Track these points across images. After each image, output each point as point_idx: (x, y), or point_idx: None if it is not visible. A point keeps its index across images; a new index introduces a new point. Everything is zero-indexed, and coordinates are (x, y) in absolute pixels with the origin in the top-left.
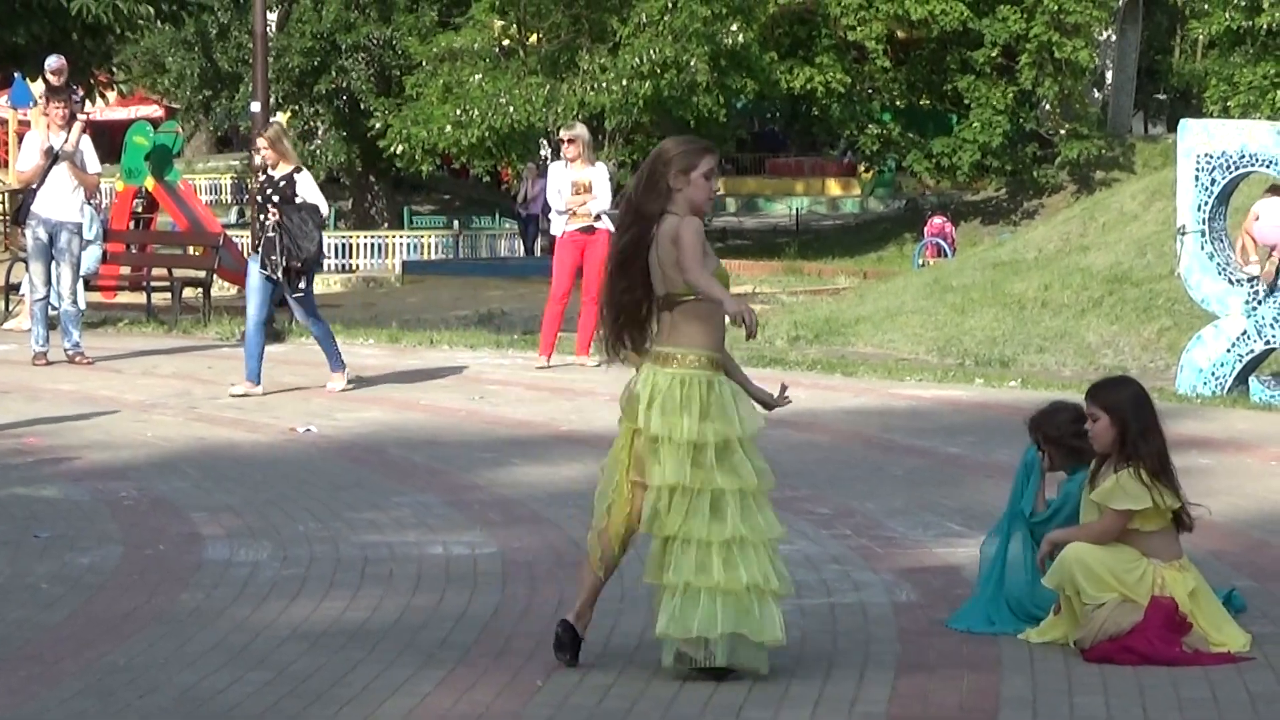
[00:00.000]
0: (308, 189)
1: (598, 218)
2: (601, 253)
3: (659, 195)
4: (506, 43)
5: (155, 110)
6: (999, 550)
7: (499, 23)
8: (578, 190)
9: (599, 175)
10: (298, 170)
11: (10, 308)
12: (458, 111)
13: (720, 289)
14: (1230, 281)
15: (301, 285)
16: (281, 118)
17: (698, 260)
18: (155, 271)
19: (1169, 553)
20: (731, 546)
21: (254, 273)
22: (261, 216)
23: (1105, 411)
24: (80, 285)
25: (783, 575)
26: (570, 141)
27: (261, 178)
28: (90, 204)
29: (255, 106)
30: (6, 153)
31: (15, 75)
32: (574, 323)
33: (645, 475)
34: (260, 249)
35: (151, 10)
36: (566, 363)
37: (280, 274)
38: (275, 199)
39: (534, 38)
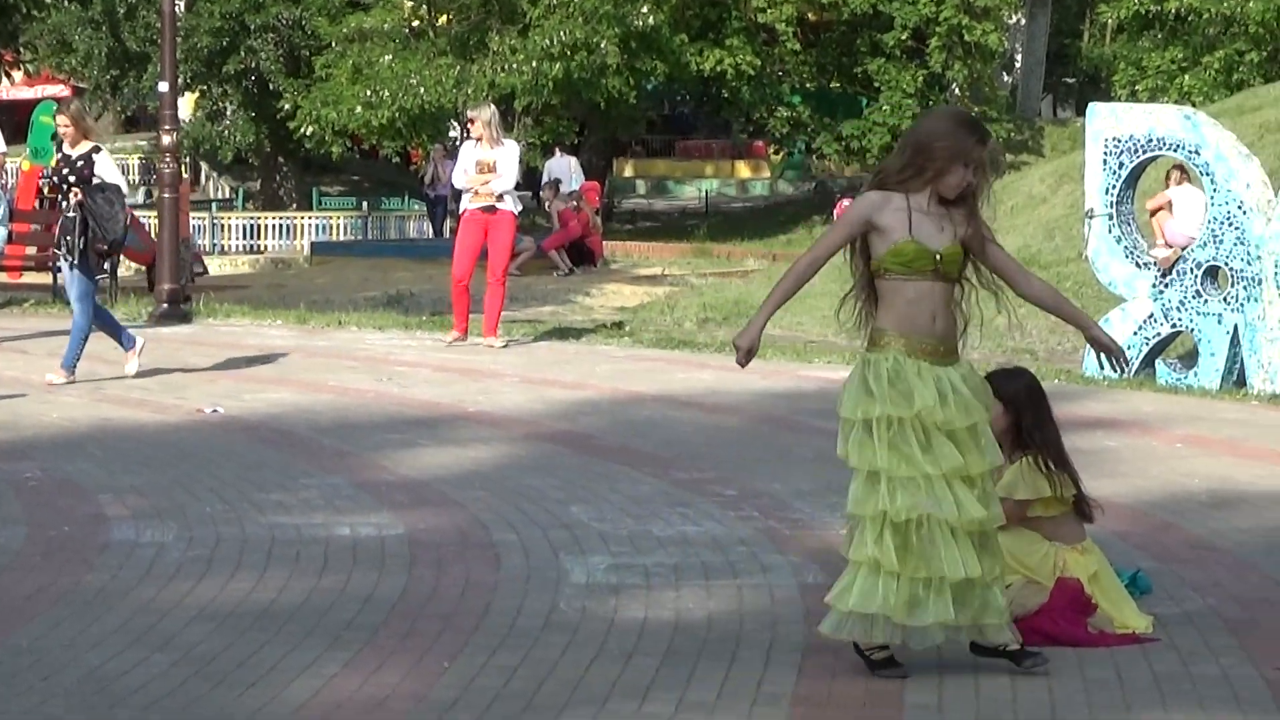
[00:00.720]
0: (106, 168)
1: (500, 198)
2: (504, 234)
3: None
4: (416, 24)
5: (62, 90)
6: None
7: (409, 3)
8: (482, 169)
9: (504, 155)
10: (96, 150)
11: None
12: (368, 92)
13: None
14: (1137, 265)
15: (106, 268)
16: (190, 98)
17: None
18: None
19: (1072, 536)
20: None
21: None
22: (60, 198)
23: (1000, 401)
24: None
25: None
26: (474, 121)
27: (58, 156)
28: None
29: (163, 87)
30: None
31: None
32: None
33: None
34: (58, 229)
35: None
36: (474, 344)
37: (78, 256)
38: (72, 179)
39: (444, 19)
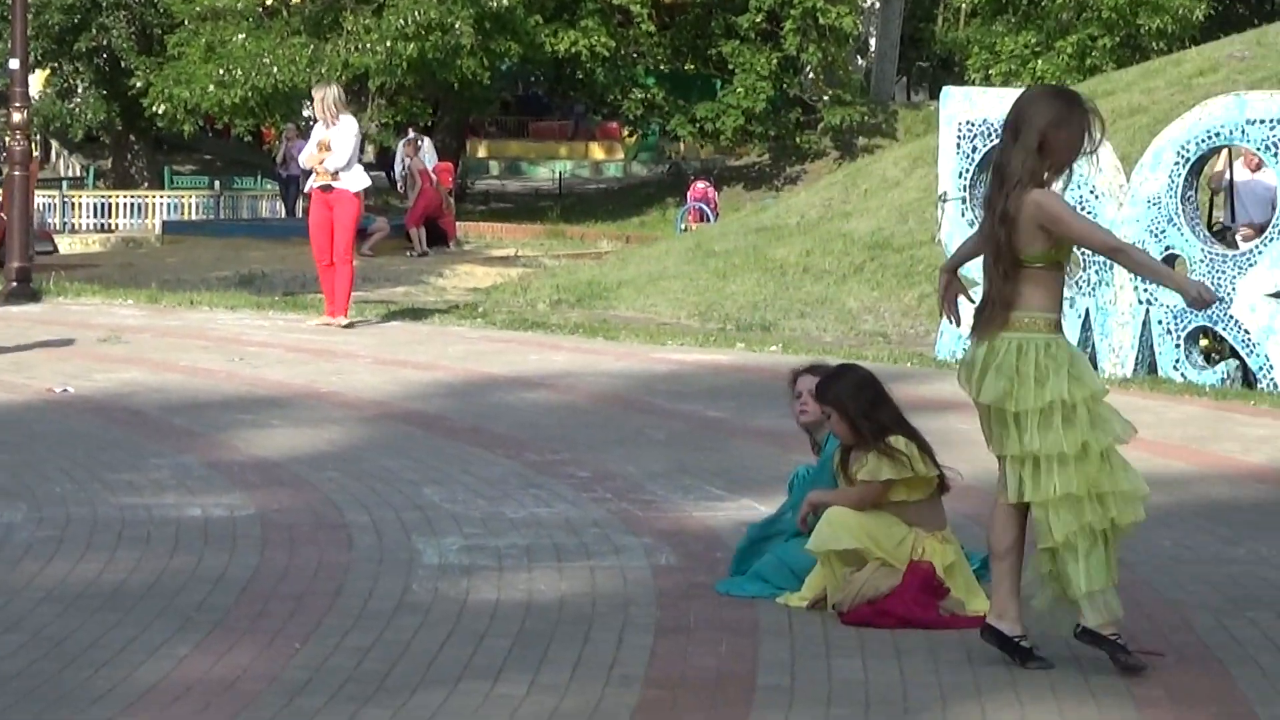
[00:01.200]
0: None
1: (335, 175)
2: (346, 212)
3: None
4: (270, 2)
5: None
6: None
7: None
8: (321, 148)
9: (338, 133)
10: None
11: None
12: (220, 71)
13: None
14: None
15: None
16: (40, 75)
17: None
18: None
19: (933, 523)
20: None
21: None
22: None
23: (833, 408)
24: None
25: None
26: (314, 100)
27: None
28: None
29: (14, 64)
30: None
31: None
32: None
33: None
34: None
35: None
36: (326, 324)
37: None
38: None
39: None
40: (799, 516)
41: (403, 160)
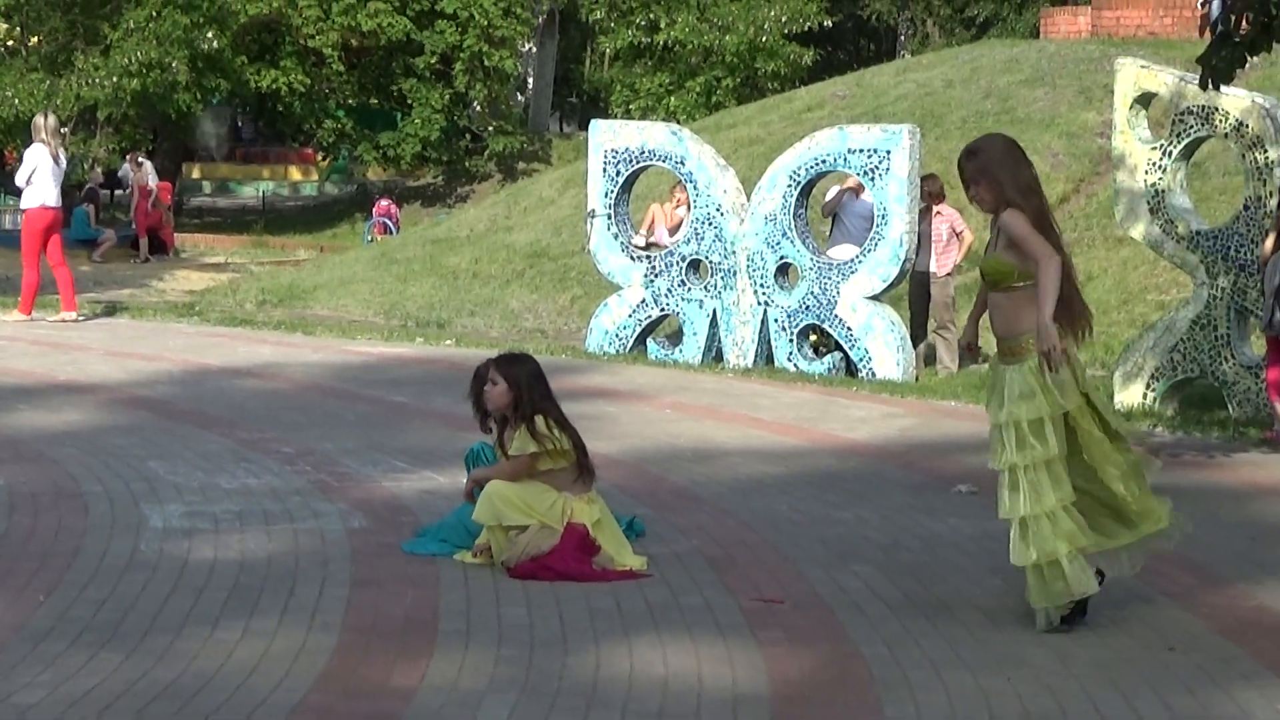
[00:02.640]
0: None
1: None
2: (30, 225)
3: None
4: (11, 43)
5: None
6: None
7: (3, 25)
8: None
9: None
10: None
11: None
12: None
13: None
14: (631, 258)
15: None
16: None
17: None
18: None
19: (578, 488)
20: None
21: None
22: None
23: (505, 380)
24: None
25: None
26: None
27: None
28: None
29: None
30: None
31: None
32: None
33: None
34: None
35: None
36: (50, 321)
37: None
38: None
39: (35, 39)
40: (465, 491)
41: (128, 176)
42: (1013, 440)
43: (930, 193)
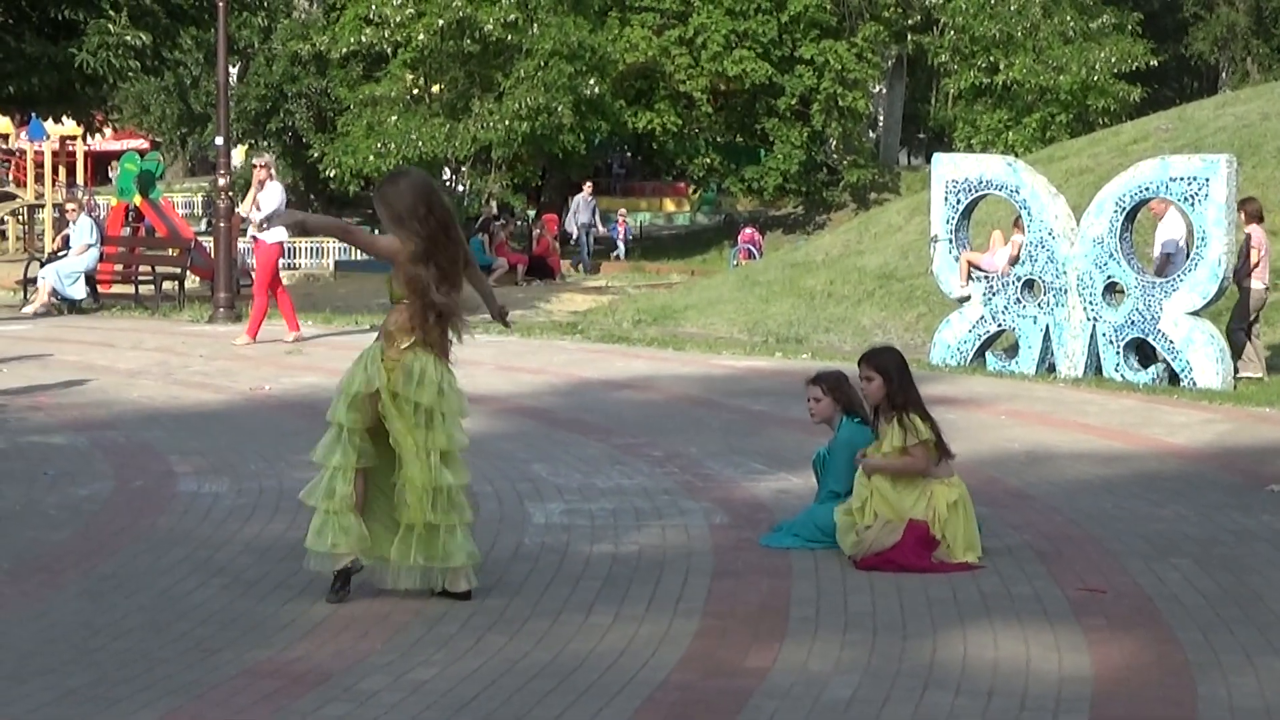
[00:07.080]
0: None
1: (261, 227)
2: (259, 256)
3: None
4: (416, 91)
5: (142, 143)
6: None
7: (410, 76)
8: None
9: (264, 195)
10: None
11: (28, 296)
12: (378, 145)
13: None
14: (970, 278)
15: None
16: (241, 149)
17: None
18: (142, 268)
19: (941, 469)
20: None
21: None
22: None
23: (877, 373)
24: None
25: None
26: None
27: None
28: (91, 216)
29: (219, 141)
30: (25, 176)
31: (33, 116)
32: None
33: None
34: None
35: (138, 64)
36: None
37: None
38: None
39: (437, 88)
40: (855, 458)
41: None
42: None
43: (1248, 213)
